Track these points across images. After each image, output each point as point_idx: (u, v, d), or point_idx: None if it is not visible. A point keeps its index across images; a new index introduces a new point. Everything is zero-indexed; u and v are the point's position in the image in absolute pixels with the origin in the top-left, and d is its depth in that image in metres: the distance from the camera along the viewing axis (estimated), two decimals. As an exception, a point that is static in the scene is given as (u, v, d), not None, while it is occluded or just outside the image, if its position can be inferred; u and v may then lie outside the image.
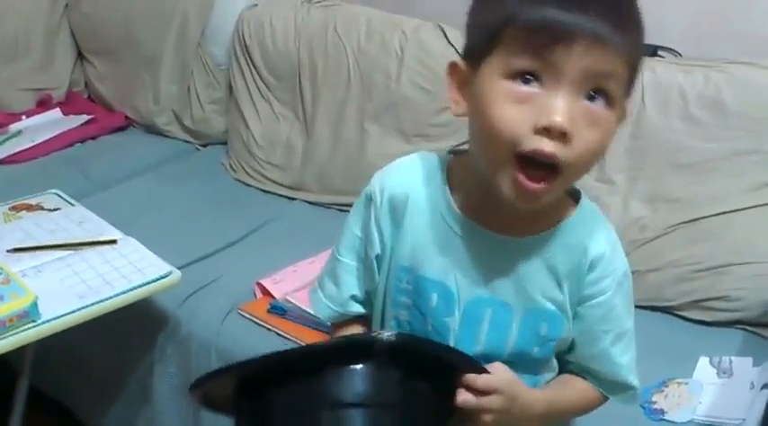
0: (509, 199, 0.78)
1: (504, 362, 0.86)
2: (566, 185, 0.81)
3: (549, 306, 0.87)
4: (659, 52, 1.77)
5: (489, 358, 0.87)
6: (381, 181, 0.92)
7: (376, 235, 0.92)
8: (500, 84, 0.76)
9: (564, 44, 0.73)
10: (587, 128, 0.75)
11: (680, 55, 1.77)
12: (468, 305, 0.88)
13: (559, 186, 0.79)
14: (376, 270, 0.93)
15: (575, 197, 0.90)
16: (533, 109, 0.74)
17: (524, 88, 0.75)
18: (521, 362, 0.89)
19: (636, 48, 0.79)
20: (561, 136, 0.74)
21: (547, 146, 0.74)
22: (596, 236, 0.87)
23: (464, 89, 0.82)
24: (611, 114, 0.77)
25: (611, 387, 0.93)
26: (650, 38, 1.93)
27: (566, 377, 0.95)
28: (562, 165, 0.75)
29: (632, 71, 0.79)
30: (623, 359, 0.91)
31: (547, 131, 0.74)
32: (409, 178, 0.91)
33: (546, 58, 0.74)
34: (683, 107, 1.60)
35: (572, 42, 0.73)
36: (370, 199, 0.93)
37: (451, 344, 0.88)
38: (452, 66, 0.83)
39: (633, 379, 0.93)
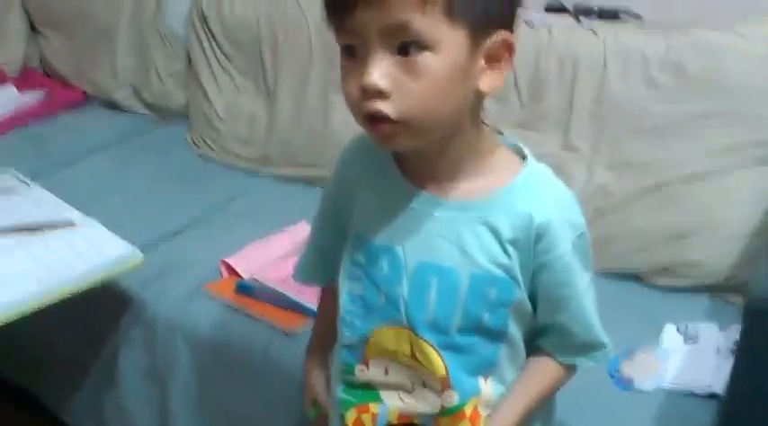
0: (380, 146, 0.84)
1: (458, 328, 0.88)
2: (420, 134, 0.81)
3: (496, 270, 0.87)
4: (620, 15, 1.76)
5: (440, 324, 0.88)
6: (342, 150, 0.98)
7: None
8: (342, 61, 0.81)
9: (346, 10, 0.76)
10: (411, 80, 0.77)
11: (642, 18, 1.75)
12: (415, 272, 0.89)
13: (412, 134, 0.80)
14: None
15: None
16: (359, 75, 0.78)
17: (350, 61, 0.80)
18: (475, 329, 0.89)
19: None
20: (380, 94, 0.77)
21: (371, 106, 0.78)
22: (542, 202, 0.86)
23: None
24: (434, 58, 0.77)
25: (584, 349, 0.94)
26: (611, 0, 1.90)
27: (530, 366, 0.95)
28: (397, 118, 0.78)
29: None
30: (593, 317, 0.92)
31: (368, 93, 0.77)
32: (360, 144, 0.94)
33: (346, 29, 0.78)
34: (645, 71, 1.59)
35: (350, 6, 0.76)
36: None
37: (402, 312, 0.89)
38: None
39: (604, 336, 0.94)
